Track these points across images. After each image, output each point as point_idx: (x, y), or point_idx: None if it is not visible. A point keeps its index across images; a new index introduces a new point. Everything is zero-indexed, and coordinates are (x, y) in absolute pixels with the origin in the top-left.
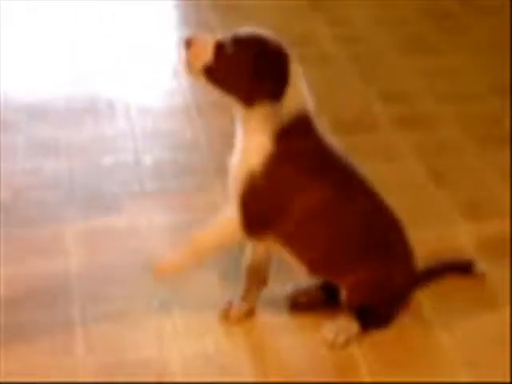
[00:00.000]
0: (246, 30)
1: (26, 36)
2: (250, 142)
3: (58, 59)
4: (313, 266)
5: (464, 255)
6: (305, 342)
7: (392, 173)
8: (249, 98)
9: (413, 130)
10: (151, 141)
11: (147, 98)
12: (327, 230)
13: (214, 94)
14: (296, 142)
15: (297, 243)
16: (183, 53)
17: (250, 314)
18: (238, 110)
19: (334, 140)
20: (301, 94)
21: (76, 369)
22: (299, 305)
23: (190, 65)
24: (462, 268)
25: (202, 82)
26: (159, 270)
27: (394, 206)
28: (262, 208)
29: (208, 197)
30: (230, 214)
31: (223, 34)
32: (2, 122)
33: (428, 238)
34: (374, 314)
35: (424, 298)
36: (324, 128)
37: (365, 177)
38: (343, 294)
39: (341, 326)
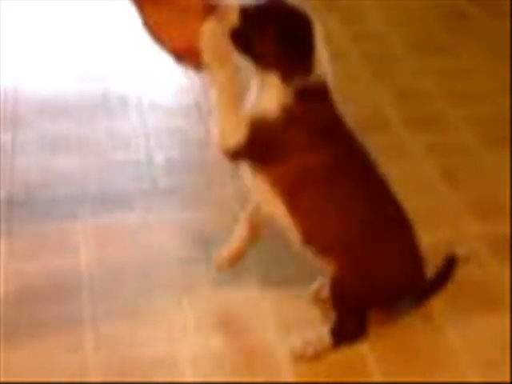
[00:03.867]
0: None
1: (38, 32)
2: (268, 93)
3: (70, 55)
4: (304, 233)
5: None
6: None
7: (403, 172)
8: (282, 73)
9: (424, 130)
10: (163, 138)
11: (159, 95)
12: (321, 196)
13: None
14: (312, 104)
15: (290, 202)
16: (207, 19)
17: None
18: (260, 73)
19: (346, 115)
20: (324, 61)
21: (86, 365)
22: (321, 300)
23: (215, 29)
24: (449, 267)
25: (228, 44)
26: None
27: (404, 205)
28: (261, 141)
29: (219, 194)
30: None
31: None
32: (14, 119)
33: (438, 238)
34: (350, 321)
35: (433, 299)
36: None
37: (372, 158)
38: (329, 277)
39: (312, 339)
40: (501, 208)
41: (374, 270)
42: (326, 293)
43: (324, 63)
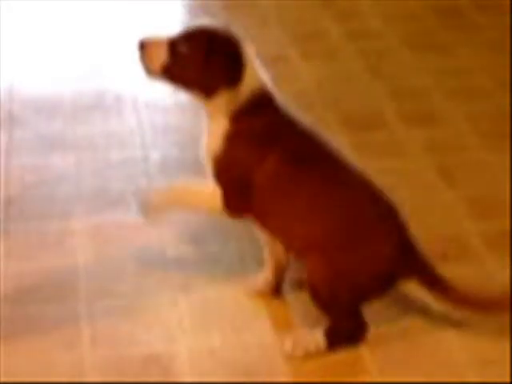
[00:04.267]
0: (194, 24)
1: (34, 32)
2: (212, 126)
3: (66, 54)
4: (284, 242)
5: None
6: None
7: (400, 169)
8: (208, 90)
9: (422, 127)
10: (159, 136)
11: (155, 93)
12: (288, 199)
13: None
14: (251, 118)
15: (267, 217)
16: (139, 56)
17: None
18: (199, 100)
19: (299, 114)
20: (256, 74)
21: (82, 363)
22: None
23: (147, 67)
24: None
25: (163, 82)
26: (144, 204)
27: (401, 203)
28: (232, 185)
29: None
30: (214, 188)
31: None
32: (11, 118)
33: (435, 234)
34: (339, 321)
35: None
36: (286, 102)
37: (338, 152)
38: (305, 278)
39: (304, 340)
40: (497, 205)
41: (344, 268)
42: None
43: (257, 75)
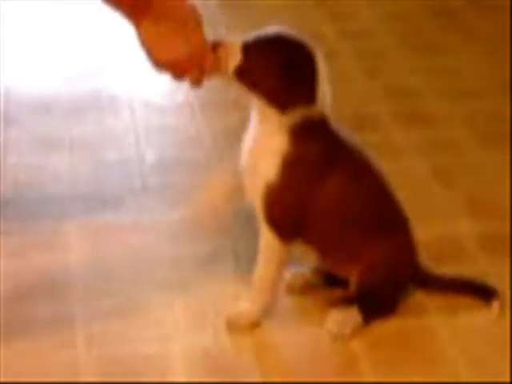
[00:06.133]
0: (272, 29)
1: (29, 32)
2: (267, 141)
3: (61, 54)
4: (327, 255)
5: (486, 281)
6: (306, 338)
7: (395, 170)
8: (284, 105)
9: (417, 128)
10: (154, 136)
11: (150, 94)
12: (343, 216)
13: (231, 91)
14: (310, 140)
15: (318, 235)
16: (211, 56)
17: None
18: (260, 109)
19: (346, 131)
20: (327, 93)
21: (77, 364)
22: (296, 289)
23: (220, 67)
24: (483, 294)
25: (235, 84)
26: (236, 325)
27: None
28: (289, 212)
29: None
30: (266, 241)
31: (246, 34)
32: (5, 117)
33: (431, 236)
34: (380, 302)
35: (426, 296)
36: (336, 122)
37: (376, 166)
38: (353, 281)
39: (345, 318)
40: (493, 206)
41: (391, 264)
42: (303, 282)
43: (326, 97)
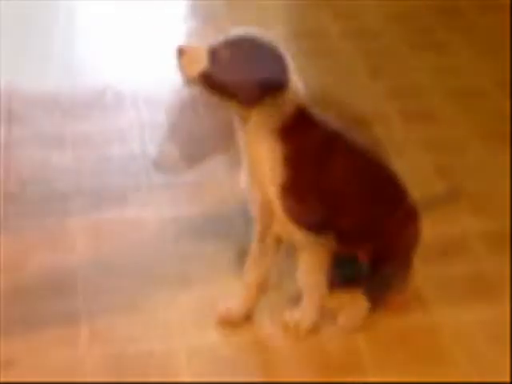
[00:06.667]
0: (237, 31)
1: (32, 28)
2: (258, 151)
3: (65, 51)
4: (345, 239)
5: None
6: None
7: (399, 168)
8: (250, 98)
9: (420, 126)
10: (158, 132)
11: (155, 90)
12: (353, 194)
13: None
14: (301, 134)
15: (337, 220)
16: (178, 62)
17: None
18: (238, 114)
19: (329, 118)
20: (297, 88)
21: (80, 360)
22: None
23: (185, 73)
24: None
25: (200, 88)
26: (299, 336)
27: None
28: (309, 205)
29: (215, 189)
30: (306, 248)
31: (209, 40)
32: (10, 114)
33: (435, 233)
34: (391, 280)
35: (428, 291)
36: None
37: (363, 143)
38: (365, 263)
39: (354, 310)
40: (495, 203)
41: (402, 241)
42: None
43: (299, 88)
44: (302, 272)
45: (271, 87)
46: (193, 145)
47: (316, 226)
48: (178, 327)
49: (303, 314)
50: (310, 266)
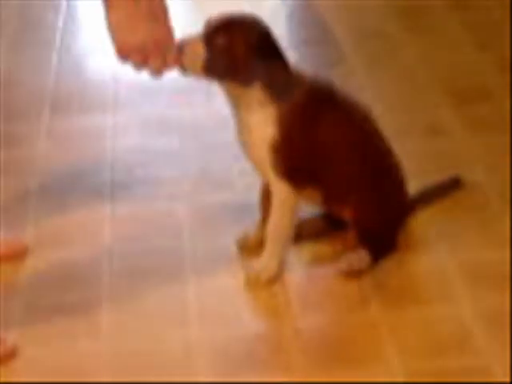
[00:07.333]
0: (220, 16)
1: None
2: (254, 117)
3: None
4: (329, 197)
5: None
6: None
7: (503, 142)
8: (249, 79)
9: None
10: None
11: None
12: (339, 154)
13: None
14: (293, 97)
15: (322, 178)
16: (180, 59)
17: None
18: (235, 92)
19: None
20: (287, 57)
21: (96, 354)
22: (303, 236)
23: (190, 68)
24: (451, 185)
25: (203, 78)
26: (256, 282)
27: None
28: (298, 161)
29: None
30: (279, 195)
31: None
32: (116, 101)
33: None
34: (381, 242)
35: (429, 230)
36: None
37: (361, 107)
38: (350, 221)
39: (355, 258)
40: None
41: (385, 202)
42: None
43: (289, 60)
44: (269, 222)
45: (265, 62)
46: None
47: (297, 181)
48: (196, 322)
49: (263, 265)
50: (277, 216)
